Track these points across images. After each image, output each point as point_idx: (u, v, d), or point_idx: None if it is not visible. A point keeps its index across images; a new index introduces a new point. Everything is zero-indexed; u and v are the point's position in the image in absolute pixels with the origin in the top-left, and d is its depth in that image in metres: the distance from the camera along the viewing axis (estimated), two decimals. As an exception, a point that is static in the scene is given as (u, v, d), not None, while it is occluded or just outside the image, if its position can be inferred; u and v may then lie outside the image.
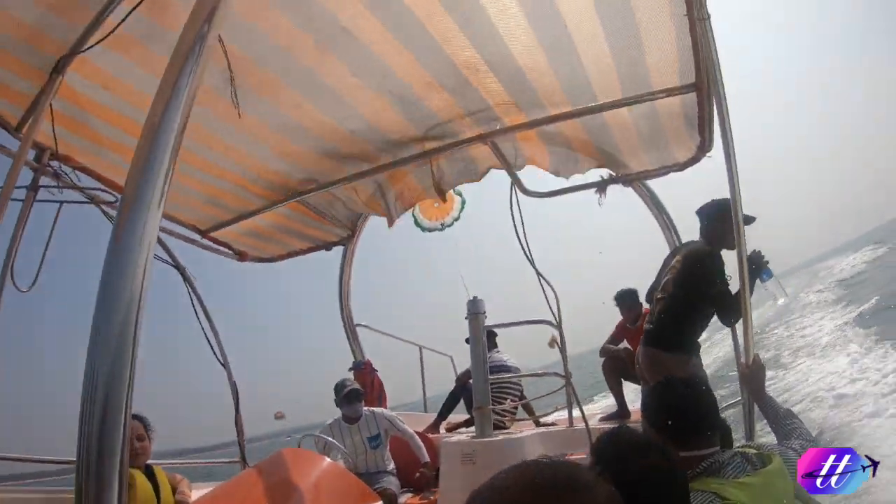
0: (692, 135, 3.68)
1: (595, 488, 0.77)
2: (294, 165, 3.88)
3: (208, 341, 4.46)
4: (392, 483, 4.74)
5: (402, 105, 3.36)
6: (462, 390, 5.87)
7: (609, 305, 5.76)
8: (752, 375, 2.92)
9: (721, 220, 3.76)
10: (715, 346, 18.36)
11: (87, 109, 2.98)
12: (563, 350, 4.23)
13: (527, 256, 4.05)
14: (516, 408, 5.54)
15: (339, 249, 5.85)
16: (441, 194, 4.37)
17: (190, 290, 4.35)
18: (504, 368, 5.39)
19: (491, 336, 5.69)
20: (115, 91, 2.87)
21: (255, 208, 4.28)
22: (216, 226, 4.45)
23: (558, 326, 3.99)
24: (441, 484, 3.81)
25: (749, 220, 3.42)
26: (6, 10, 2.33)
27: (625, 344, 5.61)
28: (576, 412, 4.44)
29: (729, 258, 3.71)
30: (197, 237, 4.52)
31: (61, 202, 3.31)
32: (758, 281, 3.49)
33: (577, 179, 4.30)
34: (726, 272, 3.69)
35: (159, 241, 4.10)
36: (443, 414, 6.11)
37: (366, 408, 5.08)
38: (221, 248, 4.80)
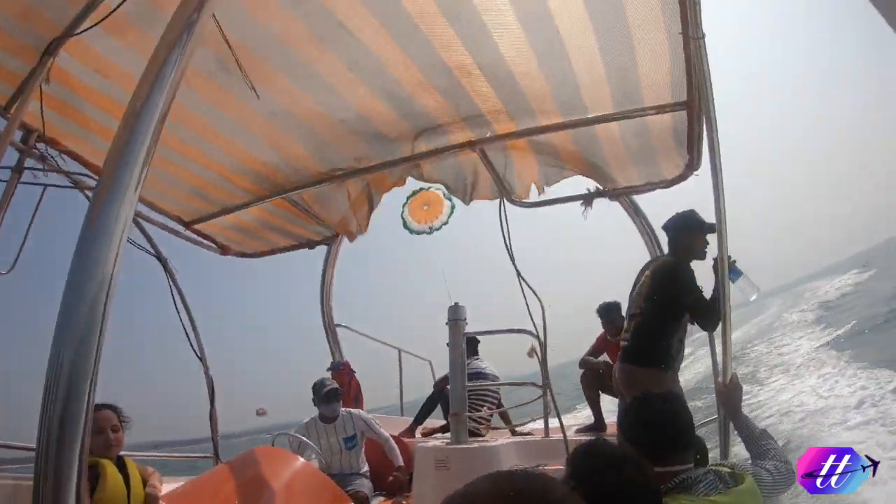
0: (680, 152, 3.71)
1: (567, 502, 0.76)
2: (282, 158, 3.84)
3: (186, 334, 4.41)
4: (365, 486, 4.71)
5: (394, 102, 3.34)
6: (439, 395, 5.85)
7: None
8: (729, 394, 2.94)
9: (687, 231, 3.83)
10: (697, 362, 18.83)
11: (78, 92, 2.94)
12: (542, 360, 4.22)
13: (513, 265, 4.04)
14: (492, 416, 5.53)
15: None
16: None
17: (170, 281, 4.30)
18: (482, 376, 5.38)
19: (472, 343, 5.68)
20: (106, 75, 2.83)
21: (241, 202, 4.26)
22: (200, 218, 4.42)
23: (538, 337, 3.98)
24: (414, 489, 3.79)
25: (713, 227, 3.50)
26: None
27: (605, 357, 5.62)
28: (552, 423, 4.44)
29: (700, 269, 3.79)
30: (181, 228, 4.47)
31: (45, 185, 3.26)
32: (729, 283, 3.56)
33: (564, 191, 4.32)
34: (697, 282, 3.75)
35: (142, 231, 4.06)
36: (419, 418, 6.07)
37: (343, 408, 5.05)
38: (204, 241, 4.76)
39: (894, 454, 7.41)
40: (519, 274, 4.02)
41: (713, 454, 3.75)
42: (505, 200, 4.24)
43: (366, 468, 5.02)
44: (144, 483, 3.38)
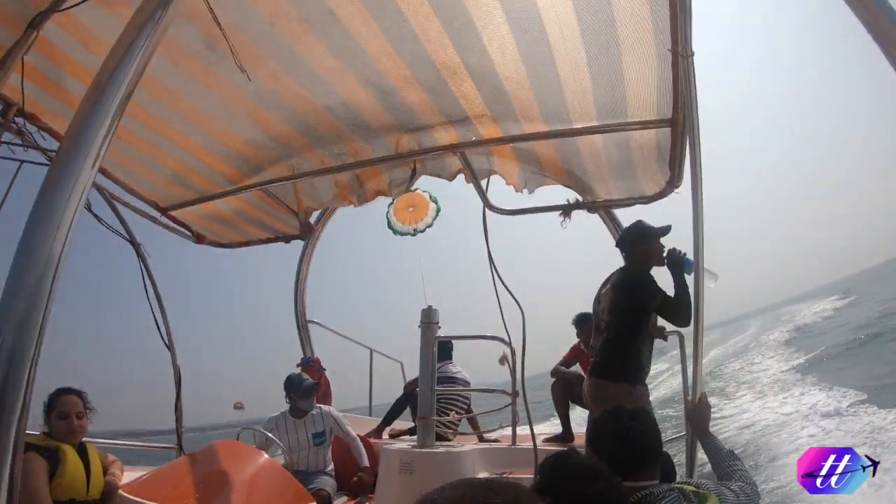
0: (662, 168, 3.72)
1: None
2: (264, 145, 3.77)
3: (156, 322, 4.36)
4: (328, 484, 4.67)
5: (379, 93, 3.28)
6: (409, 397, 5.83)
7: None
8: (697, 412, 2.96)
9: (641, 240, 3.91)
10: (673, 377, 19.76)
11: (62, 66, 2.84)
12: (512, 368, 4.22)
13: (492, 270, 4.03)
14: (461, 420, 5.52)
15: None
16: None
17: (142, 267, 4.25)
18: (452, 380, 5.38)
19: (446, 348, 5.68)
20: (93, 49, 2.72)
21: (220, 191, 4.19)
22: (177, 204, 4.34)
23: (509, 344, 3.97)
24: (377, 491, 3.77)
25: (666, 230, 3.84)
26: None
27: (578, 367, 5.64)
28: (520, 431, 4.44)
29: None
30: (156, 214, 4.40)
31: (22, 161, 3.18)
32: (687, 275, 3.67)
33: (544, 199, 4.32)
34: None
35: (116, 214, 4.00)
36: (387, 420, 6.04)
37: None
38: (180, 228, 4.69)
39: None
40: (498, 280, 4.00)
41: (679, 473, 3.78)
42: (486, 209, 4.23)
43: (331, 467, 4.99)
44: (105, 471, 3.38)
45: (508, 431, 4.75)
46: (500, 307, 3.85)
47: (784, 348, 24.54)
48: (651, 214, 4.01)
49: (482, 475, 3.88)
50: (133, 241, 4.15)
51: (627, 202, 4.27)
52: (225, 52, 2.59)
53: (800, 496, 8.18)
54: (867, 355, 18.50)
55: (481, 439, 5.28)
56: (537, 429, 3.87)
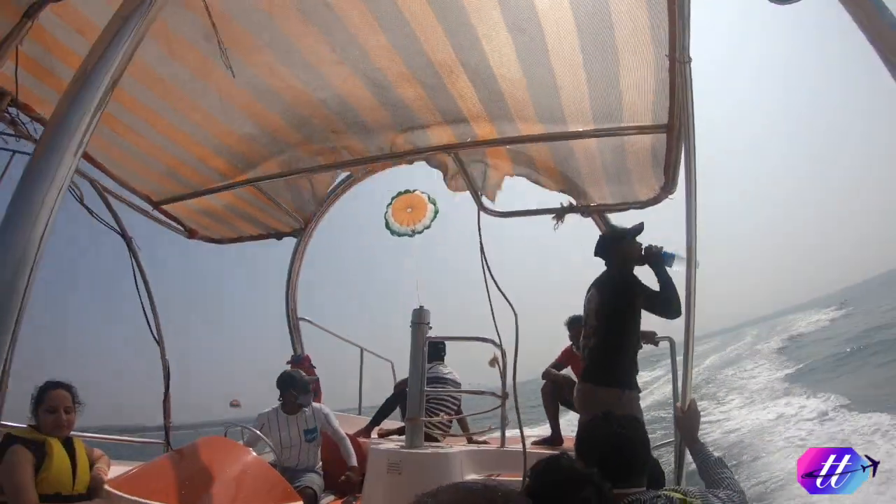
0: (657, 174, 3.71)
1: None
2: (258, 140, 3.74)
3: (145, 316, 4.33)
4: (315, 482, 4.64)
5: (375, 88, 3.26)
6: (399, 397, 5.81)
7: None
8: (686, 419, 2.95)
9: (616, 242, 3.90)
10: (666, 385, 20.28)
11: (57, 56, 2.81)
12: (502, 370, 4.21)
13: (489, 273, 4.02)
14: (451, 422, 5.50)
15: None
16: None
17: (133, 261, 4.21)
18: (442, 381, 5.36)
19: (437, 349, 5.66)
20: (89, 38, 2.64)
21: (213, 186, 4.17)
22: (170, 199, 4.32)
23: (500, 346, 3.96)
24: (364, 490, 3.74)
25: (639, 228, 3.85)
26: None
27: (569, 370, 5.62)
28: (509, 433, 4.42)
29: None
30: (149, 208, 4.38)
31: (14, 152, 3.15)
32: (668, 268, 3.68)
33: (538, 202, 4.32)
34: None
35: (109, 207, 3.97)
36: (377, 419, 6.01)
37: None
38: (171, 223, 4.67)
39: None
40: (492, 282, 4.00)
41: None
42: (480, 211, 4.23)
43: (320, 465, 4.98)
44: (92, 465, 3.37)
45: (498, 434, 4.73)
46: (492, 309, 3.85)
47: (776, 357, 25.33)
48: (645, 220, 4.00)
49: (470, 477, 3.87)
50: (124, 235, 4.12)
51: (621, 207, 4.27)
52: (223, 42, 2.57)
53: (780, 492, 9.16)
54: (854, 366, 19.70)
55: (470, 441, 5.26)
56: (530, 432, 3.86)
